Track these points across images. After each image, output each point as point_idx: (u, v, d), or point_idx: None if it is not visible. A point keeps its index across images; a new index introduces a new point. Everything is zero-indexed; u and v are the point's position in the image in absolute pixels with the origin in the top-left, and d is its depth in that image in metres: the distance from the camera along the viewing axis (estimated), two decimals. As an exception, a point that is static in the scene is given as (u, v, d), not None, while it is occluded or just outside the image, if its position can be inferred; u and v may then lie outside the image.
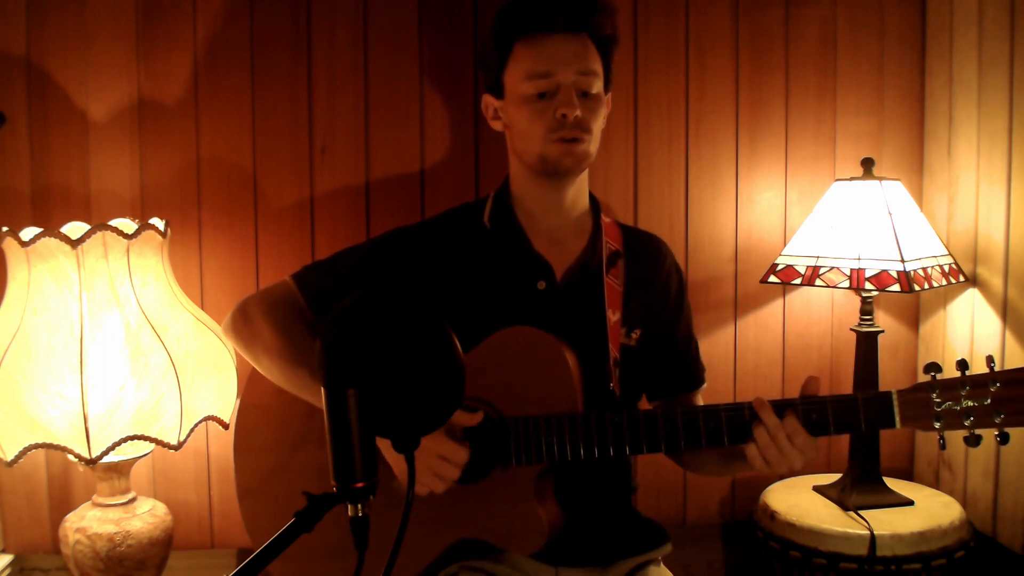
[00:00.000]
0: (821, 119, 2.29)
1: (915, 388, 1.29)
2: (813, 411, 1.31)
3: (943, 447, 1.27)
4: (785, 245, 2.16)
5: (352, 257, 1.59)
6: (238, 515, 1.57)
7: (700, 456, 1.55)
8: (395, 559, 0.90)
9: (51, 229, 1.73)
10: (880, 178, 2.05)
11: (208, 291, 2.15)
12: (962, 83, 2.16)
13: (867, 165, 2.08)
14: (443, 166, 2.19)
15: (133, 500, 1.89)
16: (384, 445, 1.33)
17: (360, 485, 0.88)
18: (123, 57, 2.09)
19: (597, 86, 1.47)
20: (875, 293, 1.96)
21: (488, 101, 1.56)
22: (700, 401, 1.65)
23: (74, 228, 1.84)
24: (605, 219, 1.59)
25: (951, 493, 2.16)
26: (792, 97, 2.28)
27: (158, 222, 1.84)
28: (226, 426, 1.88)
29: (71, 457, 1.71)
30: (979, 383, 1.26)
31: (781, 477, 2.18)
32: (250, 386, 1.58)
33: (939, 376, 1.28)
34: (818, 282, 1.99)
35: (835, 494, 2.08)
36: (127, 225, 1.83)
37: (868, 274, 1.93)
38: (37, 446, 1.71)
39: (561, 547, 1.45)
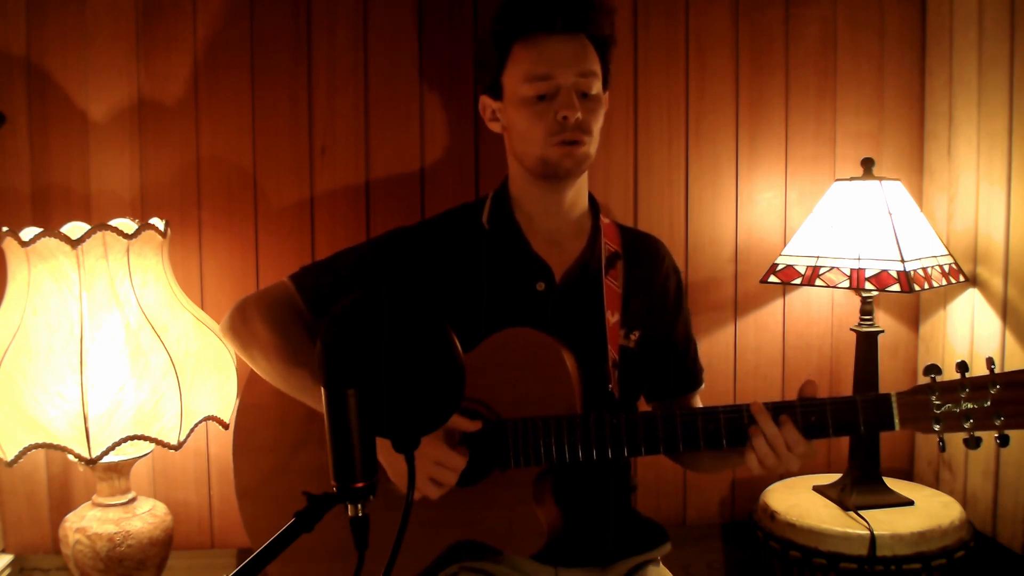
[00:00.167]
0: (821, 119, 2.29)
1: (914, 390, 1.28)
2: (812, 414, 1.30)
3: (943, 449, 1.27)
4: (785, 245, 2.16)
5: (351, 258, 1.58)
6: (238, 515, 1.57)
7: (698, 454, 1.55)
8: (395, 559, 0.90)
9: (51, 229, 1.73)
10: (880, 178, 2.05)
11: (208, 291, 2.15)
12: (962, 83, 2.16)
13: (867, 165, 2.07)
14: (443, 166, 2.19)
15: (133, 500, 1.89)
16: (381, 447, 1.33)
17: (360, 485, 0.88)
18: (123, 57, 2.09)
19: (596, 87, 1.47)
20: (875, 293, 1.96)
21: (486, 102, 1.55)
22: (699, 402, 1.65)
23: (74, 228, 1.84)
24: (604, 220, 1.59)
25: (951, 493, 2.16)
26: (792, 97, 2.28)
27: (158, 222, 1.84)
28: (226, 426, 1.88)
29: (71, 457, 1.71)
30: (979, 385, 1.25)
31: (781, 477, 2.18)
32: (249, 387, 1.58)
33: (939, 378, 1.27)
34: (818, 282, 1.99)
35: (835, 494, 2.08)
36: (127, 225, 1.83)
37: (868, 274, 1.93)
38: (37, 446, 1.71)
39: (560, 547, 1.45)
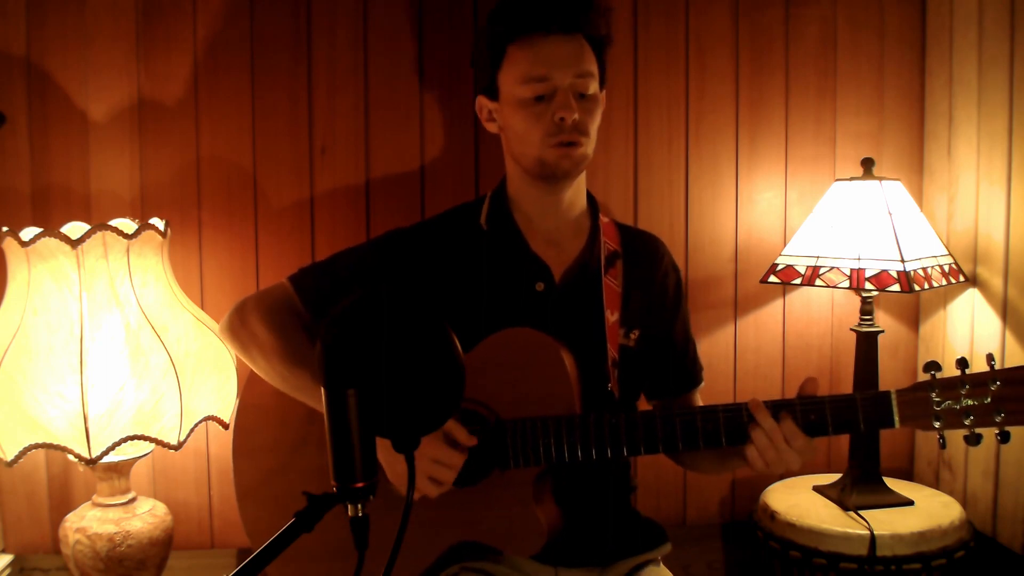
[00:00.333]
0: (821, 119, 2.29)
1: (914, 387, 1.28)
2: (811, 412, 1.30)
3: (943, 446, 1.27)
4: (785, 245, 2.16)
5: (350, 259, 1.58)
6: (238, 515, 1.57)
7: (697, 454, 1.55)
8: (395, 559, 0.90)
9: (51, 229, 1.73)
10: (880, 178, 2.05)
11: (208, 291, 2.15)
12: (962, 83, 2.16)
13: (867, 165, 2.07)
14: (443, 166, 2.19)
15: (133, 500, 1.89)
16: (379, 447, 1.33)
17: (360, 485, 0.88)
18: (123, 57, 2.09)
19: (593, 87, 1.46)
20: (875, 293, 1.96)
21: (482, 103, 1.54)
22: (699, 400, 1.65)
23: (74, 228, 1.84)
24: (603, 219, 1.58)
25: (951, 493, 2.16)
26: (792, 97, 2.28)
27: (158, 222, 1.84)
28: (226, 426, 1.88)
29: (71, 457, 1.71)
30: (979, 382, 1.25)
31: (781, 477, 2.18)
32: (249, 387, 1.58)
33: (939, 375, 1.27)
34: (818, 282, 1.99)
35: (835, 494, 2.08)
36: (127, 225, 1.83)
37: (868, 274, 1.93)
38: (37, 446, 1.71)
39: (560, 547, 1.45)
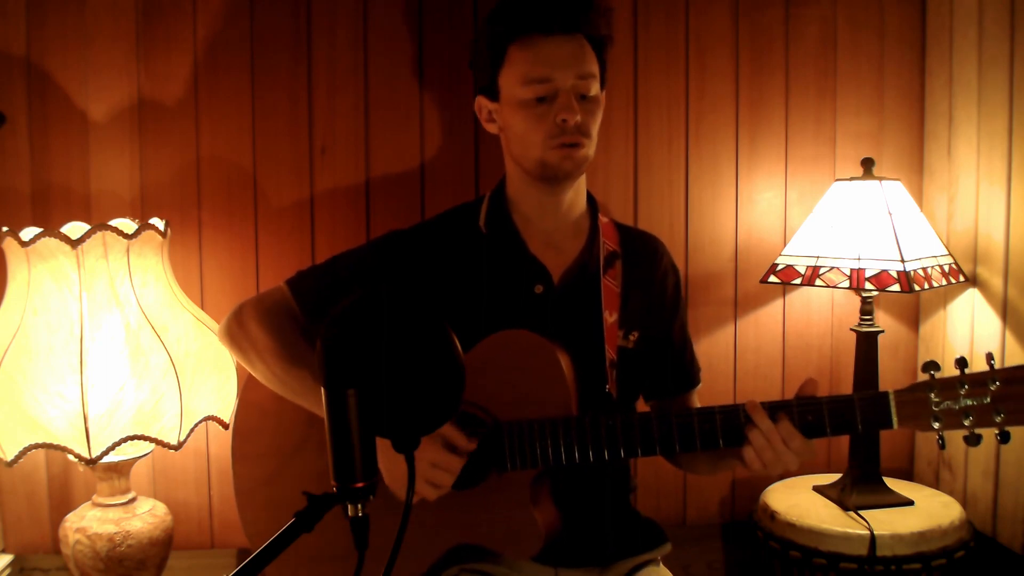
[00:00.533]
0: (821, 119, 2.29)
1: (913, 388, 1.27)
2: (809, 413, 1.29)
3: (942, 447, 1.26)
4: (785, 245, 2.16)
5: (348, 261, 1.57)
6: (238, 515, 1.57)
7: (693, 455, 1.54)
8: (395, 560, 0.90)
9: (51, 229, 1.73)
10: (880, 178, 2.05)
11: (208, 291, 2.15)
12: (962, 83, 2.16)
13: (867, 165, 2.07)
14: (443, 166, 2.19)
15: (133, 500, 1.89)
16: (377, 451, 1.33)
17: (360, 485, 0.88)
18: (123, 57, 2.09)
19: (595, 88, 1.45)
20: (875, 293, 1.96)
21: (482, 103, 1.53)
22: (696, 401, 1.65)
23: (74, 228, 1.84)
24: (603, 219, 1.58)
25: (951, 493, 2.16)
26: (792, 97, 2.28)
27: (158, 222, 1.84)
28: (226, 426, 1.88)
29: (71, 457, 1.71)
30: (978, 381, 1.24)
31: (780, 477, 2.18)
32: (247, 391, 1.57)
33: (937, 375, 1.26)
34: (818, 282, 1.99)
35: (835, 494, 2.08)
36: (127, 225, 1.83)
37: (868, 274, 1.93)
38: (37, 446, 1.71)
39: (560, 548, 1.45)
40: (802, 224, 2.13)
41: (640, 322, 1.54)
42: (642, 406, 1.66)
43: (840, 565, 1.91)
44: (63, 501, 2.13)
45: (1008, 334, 2.01)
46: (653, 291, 1.58)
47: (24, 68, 2.07)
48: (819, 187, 2.20)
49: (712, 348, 2.28)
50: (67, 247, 1.71)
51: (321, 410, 0.90)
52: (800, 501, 2.07)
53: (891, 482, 2.10)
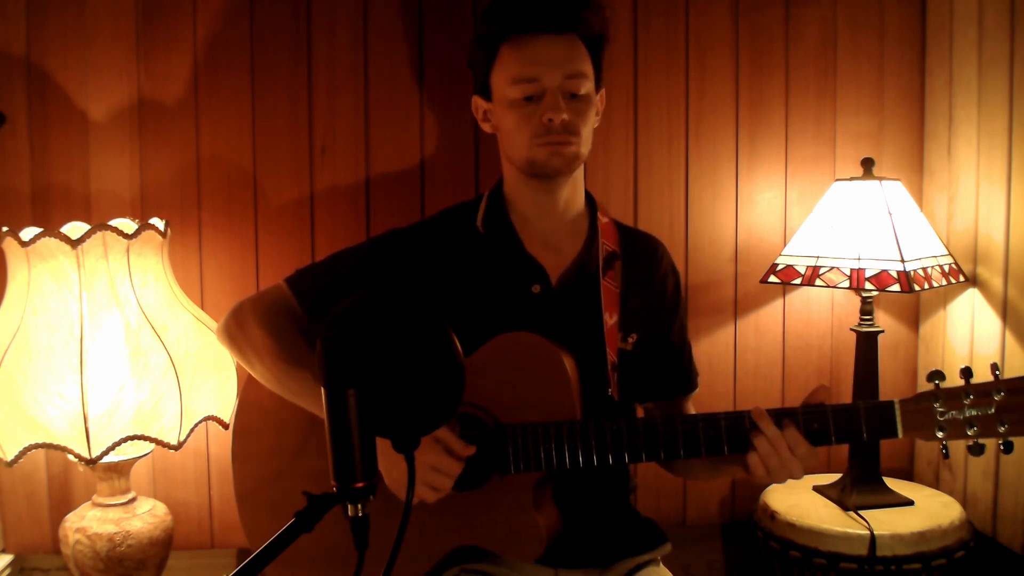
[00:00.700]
0: (821, 119, 2.29)
1: (918, 398, 1.27)
2: (814, 420, 1.29)
3: (946, 456, 1.26)
4: (785, 245, 2.16)
5: (347, 260, 1.57)
6: (238, 515, 1.57)
7: (693, 461, 1.52)
8: (395, 560, 0.90)
9: (51, 229, 1.73)
10: (880, 178, 2.05)
11: (208, 291, 2.15)
12: (962, 83, 2.16)
13: (867, 165, 2.07)
14: (443, 166, 2.19)
15: (133, 500, 1.89)
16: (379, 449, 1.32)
17: (360, 485, 0.88)
18: (123, 57, 2.09)
19: (586, 87, 1.45)
20: (875, 293, 1.96)
21: (477, 103, 1.54)
22: (691, 407, 1.63)
23: (74, 228, 1.84)
24: (602, 219, 1.57)
25: (951, 493, 2.16)
26: (792, 97, 2.28)
27: (158, 222, 1.84)
28: (226, 426, 1.88)
29: (71, 457, 1.71)
30: (983, 392, 1.23)
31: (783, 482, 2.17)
32: (247, 391, 1.57)
33: (942, 384, 1.25)
34: (818, 282, 1.99)
35: (835, 494, 2.08)
36: (127, 225, 1.83)
37: (868, 274, 1.93)
38: (37, 446, 1.71)
39: (560, 548, 1.45)
40: (802, 224, 2.13)
41: (640, 324, 1.53)
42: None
43: (840, 565, 1.91)
44: (63, 501, 2.13)
45: (1008, 334, 2.01)
46: (653, 293, 1.58)
47: (24, 68, 2.07)
48: (819, 187, 2.20)
49: (712, 348, 2.28)
50: (67, 247, 1.71)
51: (320, 411, 0.89)
52: (800, 501, 2.07)
53: (891, 482, 2.10)
